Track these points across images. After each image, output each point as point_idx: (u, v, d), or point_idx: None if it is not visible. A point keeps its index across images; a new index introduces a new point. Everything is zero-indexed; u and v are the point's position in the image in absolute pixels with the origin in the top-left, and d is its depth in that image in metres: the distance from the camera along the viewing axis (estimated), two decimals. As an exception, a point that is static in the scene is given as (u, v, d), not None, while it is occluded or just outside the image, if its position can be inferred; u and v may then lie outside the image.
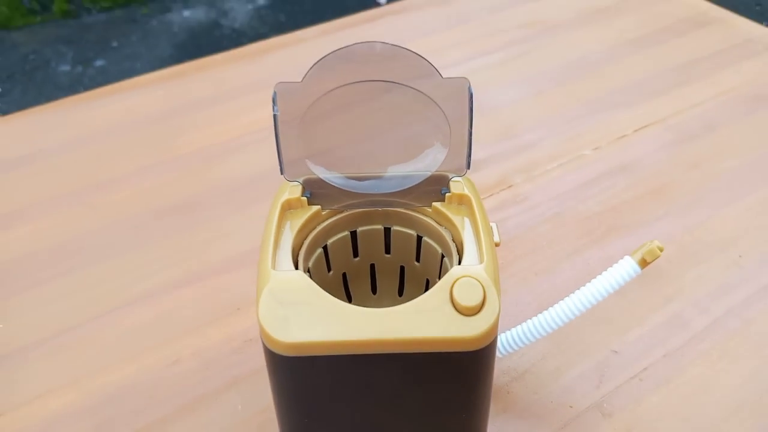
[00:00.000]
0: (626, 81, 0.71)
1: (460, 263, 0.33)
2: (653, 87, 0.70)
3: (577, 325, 0.47)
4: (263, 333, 0.30)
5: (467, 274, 0.31)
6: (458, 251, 0.34)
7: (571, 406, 0.43)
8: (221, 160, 0.63)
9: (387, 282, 0.40)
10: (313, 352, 0.30)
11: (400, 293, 0.40)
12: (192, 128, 0.67)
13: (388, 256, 0.39)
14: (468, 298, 0.30)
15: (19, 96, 1.81)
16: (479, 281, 0.31)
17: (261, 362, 0.46)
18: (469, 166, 0.35)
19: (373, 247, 0.38)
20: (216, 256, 0.54)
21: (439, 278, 0.37)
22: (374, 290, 0.40)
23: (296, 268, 0.33)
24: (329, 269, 0.38)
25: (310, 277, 0.35)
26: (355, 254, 0.38)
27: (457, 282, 0.30)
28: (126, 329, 0.48)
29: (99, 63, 1.94)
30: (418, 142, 0.34)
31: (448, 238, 0.35)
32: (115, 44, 2.06)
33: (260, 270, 0.32)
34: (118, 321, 0.49)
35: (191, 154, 0.64)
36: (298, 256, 0.34)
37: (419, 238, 0.37)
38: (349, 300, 0.40)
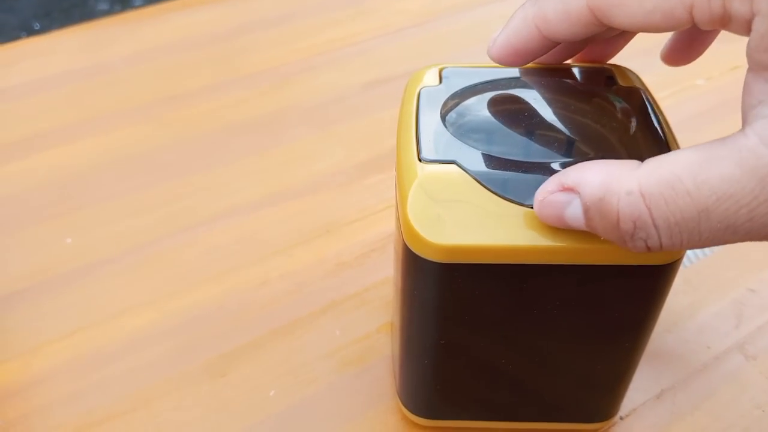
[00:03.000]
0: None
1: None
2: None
3: (706, 261, 0.42)
4: (410, 234, 0.26)
5: None
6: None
7: (708, 347, 0.38)
8: (296, 80, 0.58)
9: None
10: (473, 258, 0.25)
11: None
12: (263, 47, 0.62)
13: None
14: None
15: (55, 35, 1.77)
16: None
17: (357, 287, 0.42)
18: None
19: None
20: (298, 177, 0.49)
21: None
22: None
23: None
24: None
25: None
26: None
27: None
28: (206, 249, 0.44)
29: (138, 2, 1.88)
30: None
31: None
32: (153, -16, 2.01)
33: (402, 162, 0.27)
34: (196, 240, 0.45)
35: (263, 72, 0.59)
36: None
37: None
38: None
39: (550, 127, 0.28)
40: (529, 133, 0.28)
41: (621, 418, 0.35)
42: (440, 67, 0.31)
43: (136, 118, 0.54)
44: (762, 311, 0.40)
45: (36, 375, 0.38)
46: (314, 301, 0.41)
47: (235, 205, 0.47)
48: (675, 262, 0.26)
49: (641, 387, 0.37)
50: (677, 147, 0.27)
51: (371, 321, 0.39)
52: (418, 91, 0.30)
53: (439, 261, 0.26)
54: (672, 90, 0.55)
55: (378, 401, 0.36)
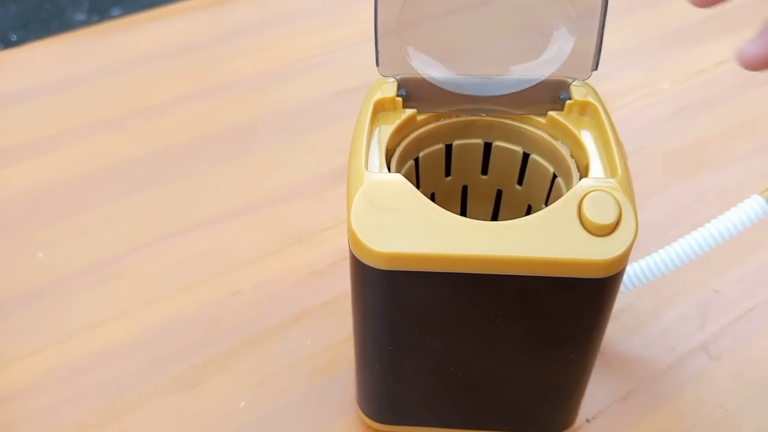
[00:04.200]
0: (701, 14, 0.66)
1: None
2: (729, 22, 0.65)
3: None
4: (354, 241, 0.26)
5: (599, 187, 0.26)
6: (579, 168, 0.30)
7: (673, 348, 0.39)
8: (271, 88, 0.59)
9: (479, 207, 0.36)
10: (414, 266, 0.26)
11: (494, 220, 0.36)
12: (239, 55, 0.62)
13: (484, 177, 0.34)
14: (600, 215, 0.26)
15: (36, 43, 1.76)
16: (613, 196, 0.26)
17: (329, 295, 0.42)
18: (596, 66, 0.30)
19: (468, 165, 0.34)
20: (271, 185, 0.50)
21: (547, 204, 0.33)
22: (463, 215, 0.36)
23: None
24: (418, 186, 0.33)
25: None
26: (447, 173, 0.34)
27: (588, 196, 0.26)
28: (179, 259, 0.45)
29: (116, 12, 1.88)
30: (540, 30, 0.30)
31: (565, 154, 0.30)
32: (132, -7, 2.00)
33: (351, 170, 0.28)
34: (169, 251, 0.45)
35: (239, 81, 0.59)
36: (390, 161, 0.30)
37: (525, 157, 0.33)
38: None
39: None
40: None
41: (587, 421, 0.36)
42: (400, 77, 0.32)
43: (109, 129, 0.54)
44: (725, 312, 0.41)
45: (7, 391, 0.38)
46: (285, 310, 0.41)
47: (208, 214, 0.47)
48: (616, 275, 0.26)
49: (607, 389, 0.37)
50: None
51: (341, 329, 0.40)
52: (373, 102, 0.31)
53: (381, 268, 0.26)
54: (638, 94, 0.56)
55: (347, 410, 0.36)
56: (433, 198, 0.35)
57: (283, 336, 0.40)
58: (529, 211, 0.34)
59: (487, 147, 0.33)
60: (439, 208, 0.26)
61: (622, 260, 0.26)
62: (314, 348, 0.39)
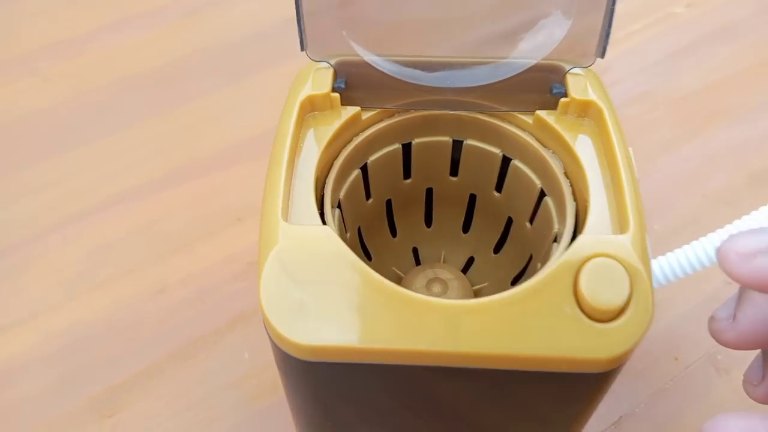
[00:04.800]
0: None
1: (579, 222, 0.21)
2: None
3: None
4: (267, 324, 0.19)
5: (604, 252, 0.19)
6: (575, 195, 0.22)
7: (676, 358, 0.33)
8: (205, 14, 0.49)
9: (448, 213, 0.28)
10: (349, 358, 0.19)
11: (466, 229, 0.29)
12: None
13: (453, 179, 0.27)
14: (605, 294, 0.19)
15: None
16: (623, 265, 0.19)
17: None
18: (603, 52, 0.22)
19: (433, 165, 0.26)
20: (206, 146, 0.42)
21: (532, 222, 0.25)
22: (428, 222, 0.29)
23: (321, 206, 0.22)
24: (368, 197, 0.26)
25: (341, 214, 0.23)
26: (407, 175, 0.27)
27: (588, 265, 0.19)
28: (93, 246, 0.37)
29: None
30: (524, 5, 0.22)
31: (557, 168, 0.23)
32: None
33: (264, 221, 0.21)
34: (82, 235, 0.38)
35: (169, 6, 0.50)
36: (324, 186, 0.23)
37: (506, 160, 0.25)
38: (393, 235, 0.28)
39: None
40: None
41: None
42: (337, 59, 0.24)
43: (11, 73, 0.45)
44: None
45: None
46: (220, 313, 0.35)
47: (129, 186, 0.40)
48: (617, 368, 0.20)
49: (597, 414, 0.32)
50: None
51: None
52: (298, 102, 0.23)
53: (304, 359, 0.19)
54: (646, 21, 0.47)
55: (289, 447, 0.31)
56: (390, 206, 0.28)
57: (216, 348, 0.34)
58: (509, 225, 0.27)
59: (457, 145, 0.26)
60: (383, 280, 0.19)
61: (629, 353, 0.19)
62: (253, 363, 0.33)
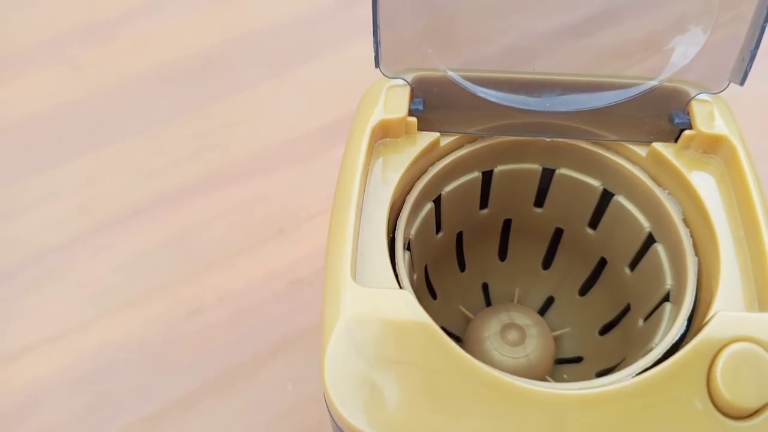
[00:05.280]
0: None
1: (700, 285, 0.17)
2: None
3: None
4: (332, 408, 0.16)
5: (746, 336, 0.15)
6: (697, 248, 0.18)
7: None
8: (248, -3, 0.45)
9: (527, 247, 0.24)
10: None
11: (546, 266, 0.25)
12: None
13: (538, 210, 0.23)
14: (746, 389, 0.15)
15: None
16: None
17: (318, 316, 0.32)
18: (743, 79, 0.18)
19: (515, 194, 0.23)
20: (247, 146, 0.38)
21: (633, 269, 0.21)
22: (503, 256, 0.25)
23: (391, 251, 0.18)
24: (438, 230, 0.22)
25: (411, 256, 0.20)
26: (484, 205, 0.23)
27: (726, 351, 0.15)
28: (124, 258, 0.34)
29: None
30: (655, 21, 0.17)
31: (674, 213, 0.19)
32: None
33: (329, 280, 0.17)
34: (113, 246, 0.35)
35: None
36: (395, 226, 0.19)
37: (607, 195, 0.21)
38: (462, 269, 0.25)
39: None
40: None
41: None
42: (414, 74, 0.20)
43: (42, 59, 0.42)
44: None
45: None
46: (260, 338, 0.32)
47: (163, 191, 0.36)
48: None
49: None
50: None
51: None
52: (369, 128, 0.19)
53: None
54: None
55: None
56: (459, 239, 0.24)
57: (257, 377, 0.31)
58: (602, 266, 0.23)
59: (547, 173, 0.22)
60: (475, 361, 0.16)
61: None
62: (297, 396, 0.30)
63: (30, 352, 0.32)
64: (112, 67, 0.42)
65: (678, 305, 0.18)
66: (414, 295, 0.17)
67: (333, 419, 0.17)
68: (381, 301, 0.16)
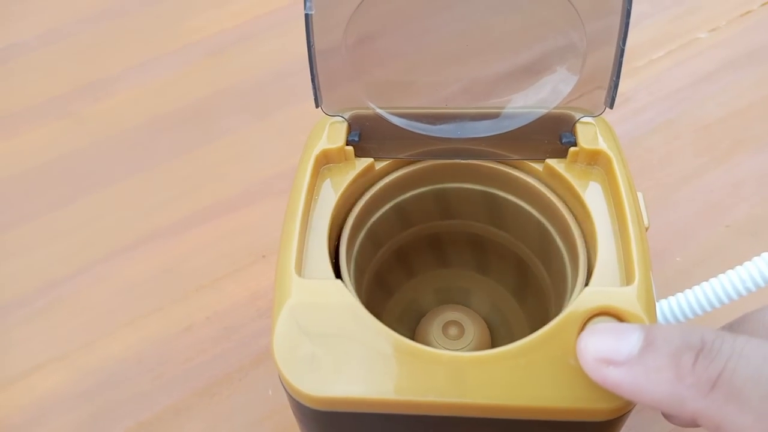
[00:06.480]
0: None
1: (585, 271, 0.22)
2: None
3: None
4: (281, 376, 0.20)
5: (607, 309, 0.19)
6: (587, 243, 0.23)
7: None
8: (234, 51, 0.50)
9: (460, 255, 0.29)
10: (360, 408, 0.20)
11: (482, 271, 0.29)
12: (196, 11, 0.53)
13: (454, 221, 0.27)
14: None
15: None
16: (628, 320, 0.19)
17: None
18: (612, 103, 0.22)
19: (434, 210, 0.27)
20: (232, 183, 0.43)
21: (547, 269, 0.25)
22: (446, 264, 0.29)
23: (336, 256, 0.22)
24: (380, 245, 0.27)
25: (355, 267, 0.24)
26: (418, 221, 0.27)
27: (592, 322, 0.19)
28: (123, 285, 0.39)
29: None
30: (531, 62, 0.22)
31: (568, 219, 0.23)
32: None
33: (279, 275, 0.21)
34: (112, 273, 0.39)
35: (197, 44, 0.51)
36: (339, 238, 0.23)
37: (507, 201, 0.25)
38: (411, 275, 0.29)
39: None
40: None
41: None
42: (351, 112, 0.24)
43: (47, 114, 0.47)
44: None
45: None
46: (245, 350, 0.36)
47: (157, 226, 0.41)
48: (622, 416, 0.20)
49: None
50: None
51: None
52: (314, 156, 0.23)
53: (318, 409, 0.20)
54: (669, 48, 0.47)
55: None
56: (398, 254, 0.28)
57: (241, 384, 0.35)
58: (526, 271, 0.27)
59: (459, 191, 0.26)
60: (391, 332, 0.20)
61: (631, 403, 0.19)
62: (276, 400, 0.34)
63: (39, 370, 0.36)
64: (112, 119, 0.47)
65: (571, 295, 0.22)
66: (348, 285, 0.21)
67: (284, 387, 0.21)
68: (319, 289, 0.21)
